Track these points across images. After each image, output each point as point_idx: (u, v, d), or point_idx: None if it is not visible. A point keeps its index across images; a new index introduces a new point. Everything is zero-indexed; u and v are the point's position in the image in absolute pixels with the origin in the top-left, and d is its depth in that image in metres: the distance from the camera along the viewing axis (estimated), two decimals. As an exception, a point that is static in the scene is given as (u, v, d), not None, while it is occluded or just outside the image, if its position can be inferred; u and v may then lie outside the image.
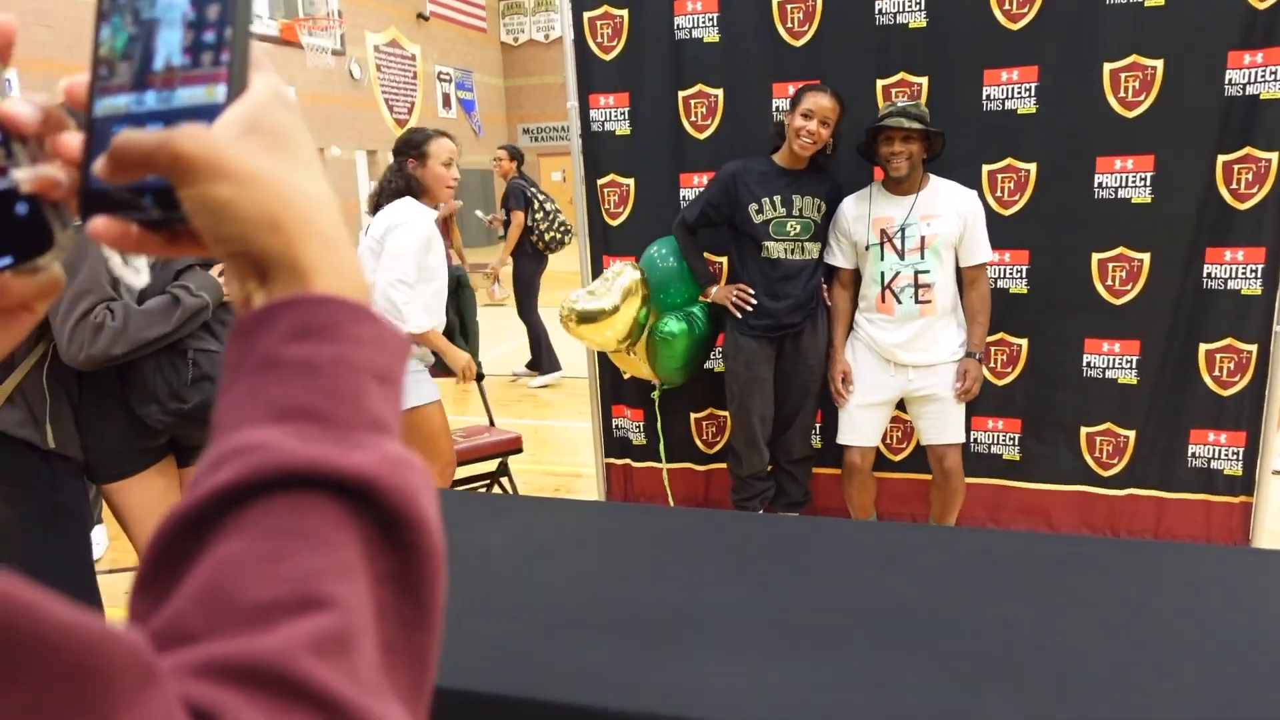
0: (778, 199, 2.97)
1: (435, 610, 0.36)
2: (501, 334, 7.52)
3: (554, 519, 2.29)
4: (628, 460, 3.68)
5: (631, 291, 3.10)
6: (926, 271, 2.85)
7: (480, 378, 3.10)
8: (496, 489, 3.63)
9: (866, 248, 2.91)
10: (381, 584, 0.34)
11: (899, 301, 2.88)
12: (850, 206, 2.96)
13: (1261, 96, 2.79)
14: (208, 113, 0.38)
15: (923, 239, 2.83)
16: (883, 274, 2.89)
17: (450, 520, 2.14)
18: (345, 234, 0.40)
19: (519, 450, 3.61)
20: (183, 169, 0.36)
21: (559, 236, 6.00)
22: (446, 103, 18.74)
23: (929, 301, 2.86)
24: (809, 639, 1.57)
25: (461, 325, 3.35)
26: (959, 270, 2.92)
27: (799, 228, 2.99)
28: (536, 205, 5.95)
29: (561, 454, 4.90)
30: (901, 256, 2.86)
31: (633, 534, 2.13)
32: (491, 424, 3.76)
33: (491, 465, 3.64)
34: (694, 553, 2.02)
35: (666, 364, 3.18)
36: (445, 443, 3.09)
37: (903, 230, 2.85)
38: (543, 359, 6.30)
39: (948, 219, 2.84)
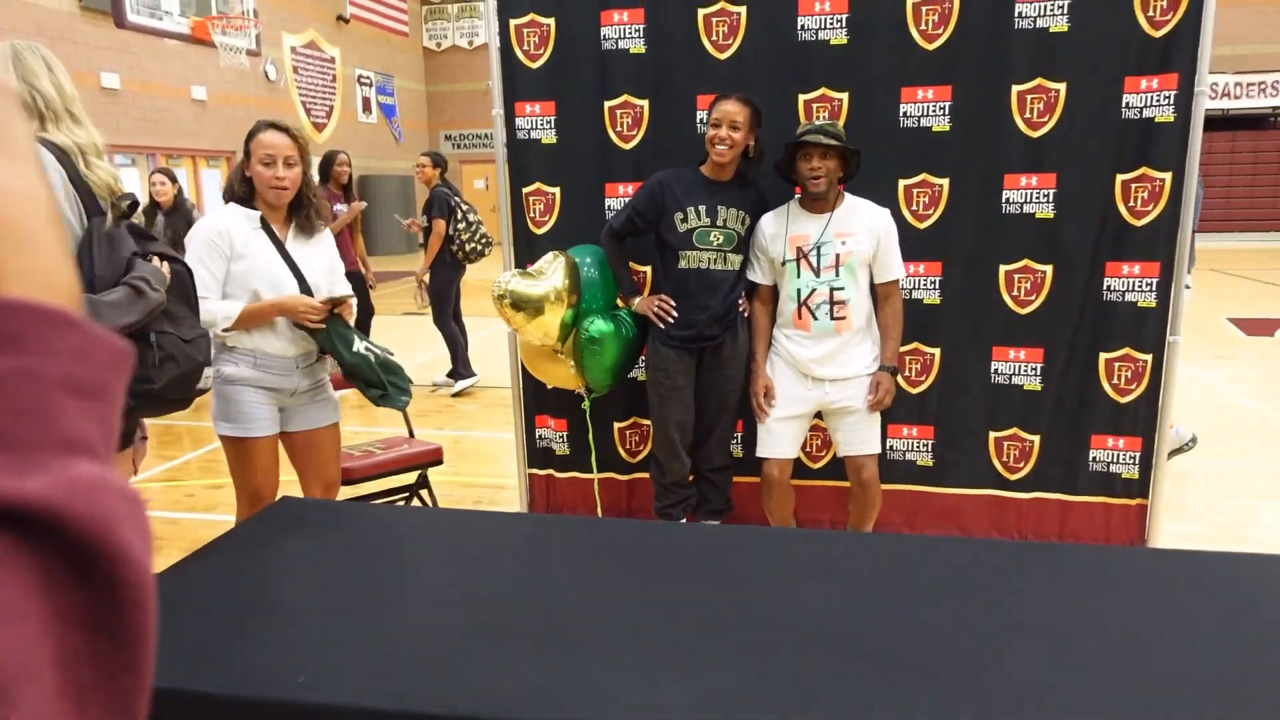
0: (703, 208, 3.00)
1: (141, 649, 0.32)
2: (421, 344, 7.40)
3: (479, 530, 2.26)
4: (551, 470, 3.66)
5: (563, 291, 3.09)
6: (841, 289, 2.92)
7: (338, 302, 2.65)
8: (416, 502, 3.56)
9: (783, 264, 2.96)
10: (66, 623, 0.30)
11: (815, 318, 2.94)
12: (768, 223, 3.01)
13: (1156, 119, 2.95)
14: None
15: (838, 256, 2.90)
16: (799, 291, 2.95)
17: (371, 534, 2.09)
18: (51, 231, 0.35)
19: (439, 462, 3.55)
20: None
21: (479, 248, 5.95)
22: (366, 107, 18.40)
23: (844, 318, 2.93)
24: (730, 648, 1.58)
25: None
26: (873, 286, 3.00)
27: (722, 238, 3.02)
28: (459, 215, 5.89)
29: (481, 465, 4.84)
30: (817, 274, 2.93)
31: (560, 545, 2.12)
32: (411, 435, 3.69)
33: (411, 477, 3.57)
34: (620, 563, 2.01)
35: (596, 367, 3.17)
36: (310, 464, 2.80)
37: (818, 248, 2.91)
38: (459, 365, 6.25)
39: (862, 237, 2.91)
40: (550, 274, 3.07)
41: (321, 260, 2.73)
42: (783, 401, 3.05)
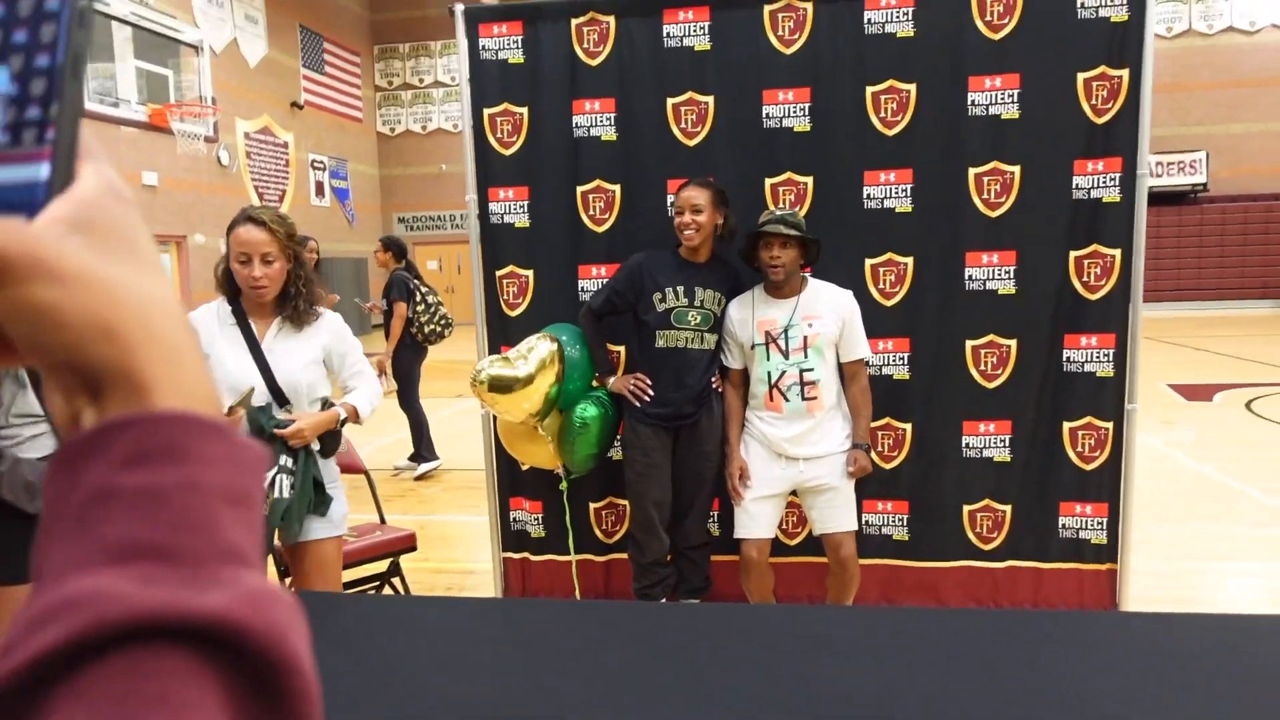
0: (680, 289, 3.06)
1: None
2: (382, 427, 7.30)
3: (462, 619, 2.22)
4: (526, 554, 3.61)
5: (547, 363, 3.09)
6: (811, 369, 2.99)
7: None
8: (387, 590, 3.48)
9: (752, 348, 3.03)
10: None
11: (786, 399, 3.00)
12: (734, 310, 3.09)
13: (1104, 200, 3.12)
14: (25, 199, 0.33)
15: (805, 339, 2.98)
16: (769, 373, 3.01)
17: (349, 629, 2.04)
18: (191, 340, 0.35)
19: (413, 548, 3.48)
20: None
21: (438, 329, 6.00)
22: (320, 191, 18.47)
23: (815, 398, 2.99)
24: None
25: None
26: (840, 366, 3.07)
27: (699, 318, 3.08)
28: (419, 297, 5.93)
29: (450, 550, 4.75)
30: (786, 356, 2.99)
31: (546, 631, 2.09)
32: (382, 521, 3.62)
33: (381, 565, 3.49)
34: (612, 646, 1.99)
35: (582, 450, 3.17)
36: None
37: (786, 331, 2.99)
38: (422, 449, 6.18)
39: (827, 319, 2.99)
40: (531, 356, 3.08)
41: (308, 355, 2.54)
42: (758, 482, 3.07)
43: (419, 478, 6.15)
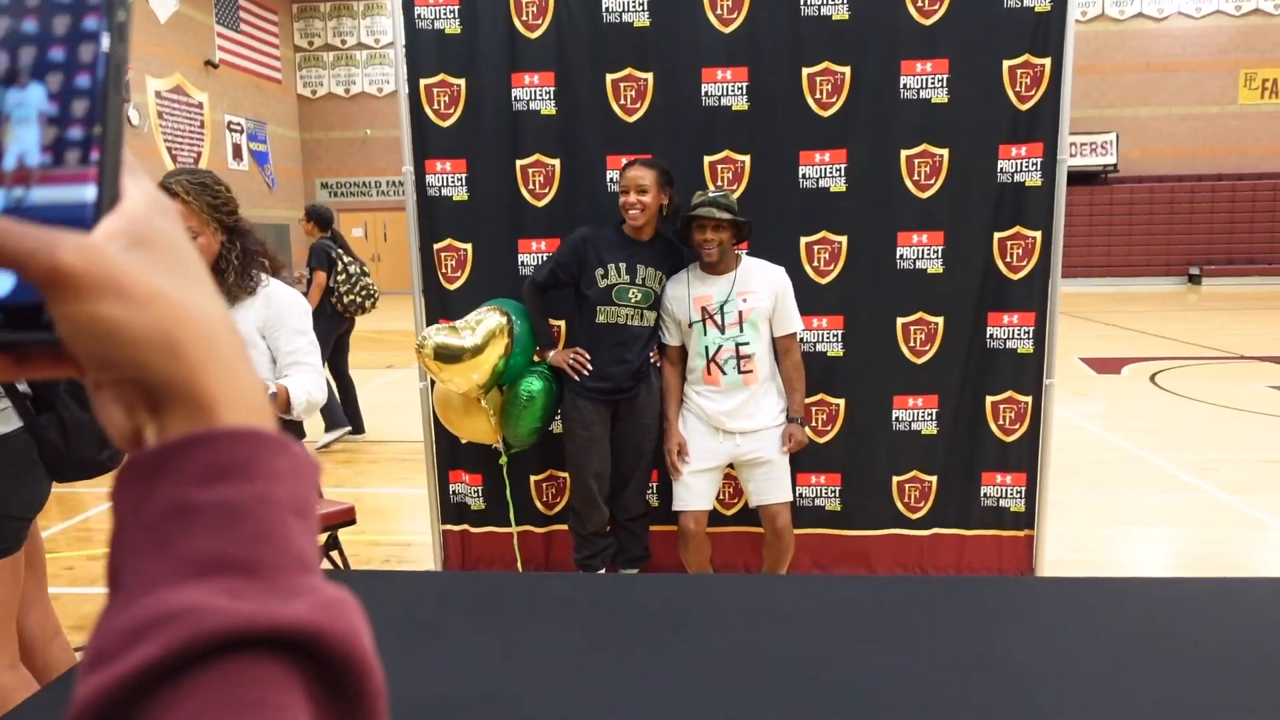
0: (623, 266, 3.09)
1: None
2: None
3: (406, 592, 2.23)
4: (465, 526, 3.62)
5: (496, 334, 3.09)
6: (746, 343, 3.06)
7: None
8: (325, 563, 3.45)
9: (690, 325, 3.09)
10: None
11: (724, 373, 3.07)
12: (671, 288, 3.14)
13: (1026, 184, 3.25)
14: (74, 220, 0.33)
15: (740, 314, 3.05)
16: (706, 348, 3.08)
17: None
18: (245, 354, 0.36)
19: (352, 522, 3.45)
20: (63, 283, 0.31)
21: (358, 299, 5.93)
22: (238, 154, 17.82)
23: (750, 371, 3.07)
24: (680, 697, 1.63)
25: None
26: (774, 341, 3.15)
27: (640, 295, 3.12)
28: (340, 267, 5.84)
29: (385, 523, 4.72)
30: (722, 331, 3.06)
31: (490, 604, 2.12)
32: (320, 495, 3.57)
33: (319, 539, 3.45)
34: (555, 618, 2.03)
35: (526, 424, 3.18)
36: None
37: (722, 307, 3.05)
38: (333, 415, 6.13)
39: (761, 294, 3.07)
40: (479, 327, 3.07)
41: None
42: (696, 456, 3.15)
43: (321, 447, 6.08)
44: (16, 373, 0.35)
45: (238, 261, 2.31)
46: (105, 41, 0.34)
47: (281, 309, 2.35)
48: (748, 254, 3.18)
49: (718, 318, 3.06)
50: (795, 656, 1.78)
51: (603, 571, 3.33)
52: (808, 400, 3.31)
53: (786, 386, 3.18)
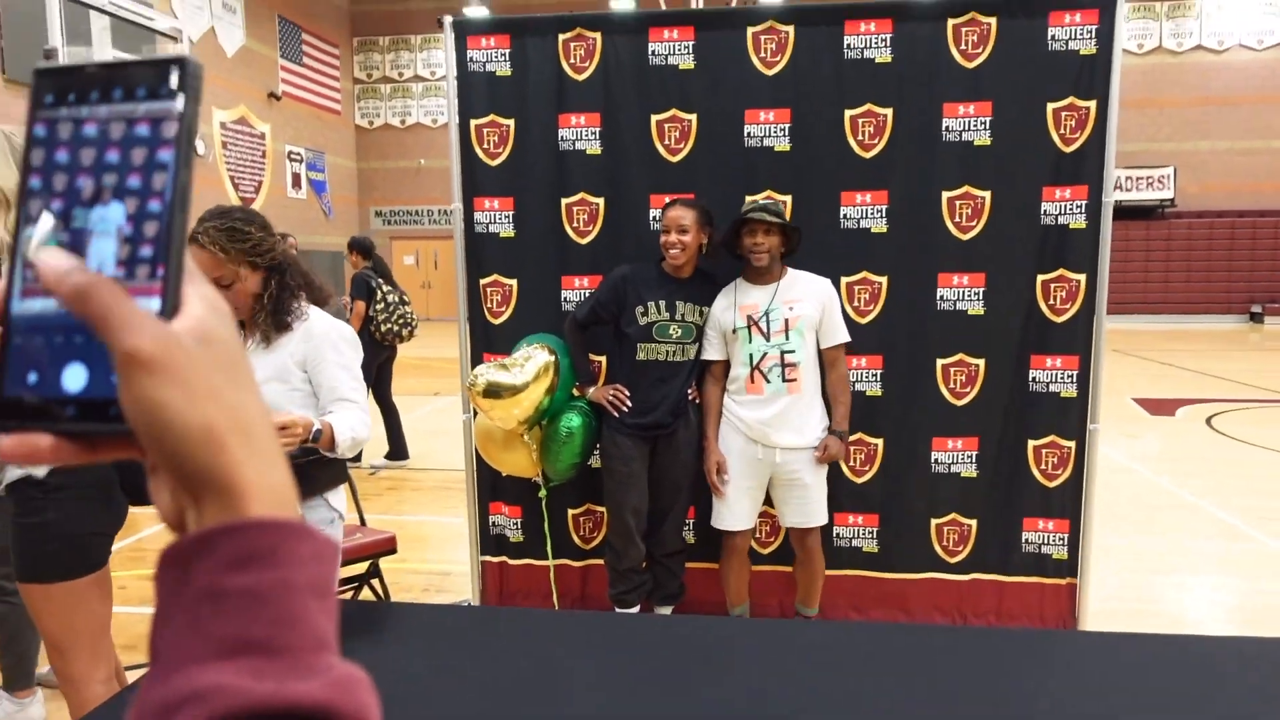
0: (663, 303, 3.14)
1: None
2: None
3: (441, 626, 2.27)
4: (504, 558, 3.66)
5: (543, 371, 3.15)
6: (792, 351, 3.06)
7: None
8: (366, 592, 3.52)
9: (734, 331, 3.10)
10: None
11: (768, 381, 3.08)
12: (718, 300, 3.17)
13: (1070, 226, 3.23)
14: None
15: (786, 321, 3.05)
16: (751, 355, 3.09)
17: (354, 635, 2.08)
18: (280, 449, 0.40)
19: (393, 551, 3.52)
20: (138, 363, 0.36)
21: (395, 328, 6.06)
22: (296, 183, 18.35)
23: (795, 380, 3.06)
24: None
25: None
26: (820, 354, 3.15)
27: (680, 331, 3.16)
28: (379, 295, 5.99)
29: (427, 551, 4.79)
30: (767, 338, 3.07)
31: (524, 640, 2.15)
32: (363, 523, 3.66)
33: (360, 566, 3.52)
34: (589, 656, 2.05)
35: (566, 459, 3.23)
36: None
37: (767, 314, 3.07)
38: (399, 445, 6.27)
39: (808, 302, 3.08)
40: (527, 365, 3.14)
41: (264, 371, 2.18)
42: (736, 472, 3.15)
43: (372, 470, 6.24)
44: (87, 457, 0.39)
45: (269, 303, 2.21)
46: (174, 168, 0.39)
47: (319, 343, 2.23)
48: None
49: (763, 324, 3.07)
50: (827, 704, 1.78)
51: (636, 609, 3.34)
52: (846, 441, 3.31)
53: (832, 400, 3.15)
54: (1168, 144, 19.09)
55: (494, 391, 3.07)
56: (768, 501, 3.28)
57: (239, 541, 0.36)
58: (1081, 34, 3.15)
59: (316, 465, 2.23)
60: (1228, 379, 10.72)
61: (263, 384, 2.36)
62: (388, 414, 6.29)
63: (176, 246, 0.38)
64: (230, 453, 0.37)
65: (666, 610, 3.39)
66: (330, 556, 0.39)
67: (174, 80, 0.39)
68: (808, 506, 3.15)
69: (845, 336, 3.15)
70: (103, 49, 12.62)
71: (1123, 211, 17.88)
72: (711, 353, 3.20)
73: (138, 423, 0.37)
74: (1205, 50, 19.24)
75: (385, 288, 6.05)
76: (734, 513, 3.19)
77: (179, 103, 0.39)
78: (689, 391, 3.24)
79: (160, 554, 0.37)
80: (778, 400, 3.07)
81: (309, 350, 2.23)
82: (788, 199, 3.34)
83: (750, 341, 3.08)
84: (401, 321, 6.06)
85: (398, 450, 6.37)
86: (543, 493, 3.42)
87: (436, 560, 4.61)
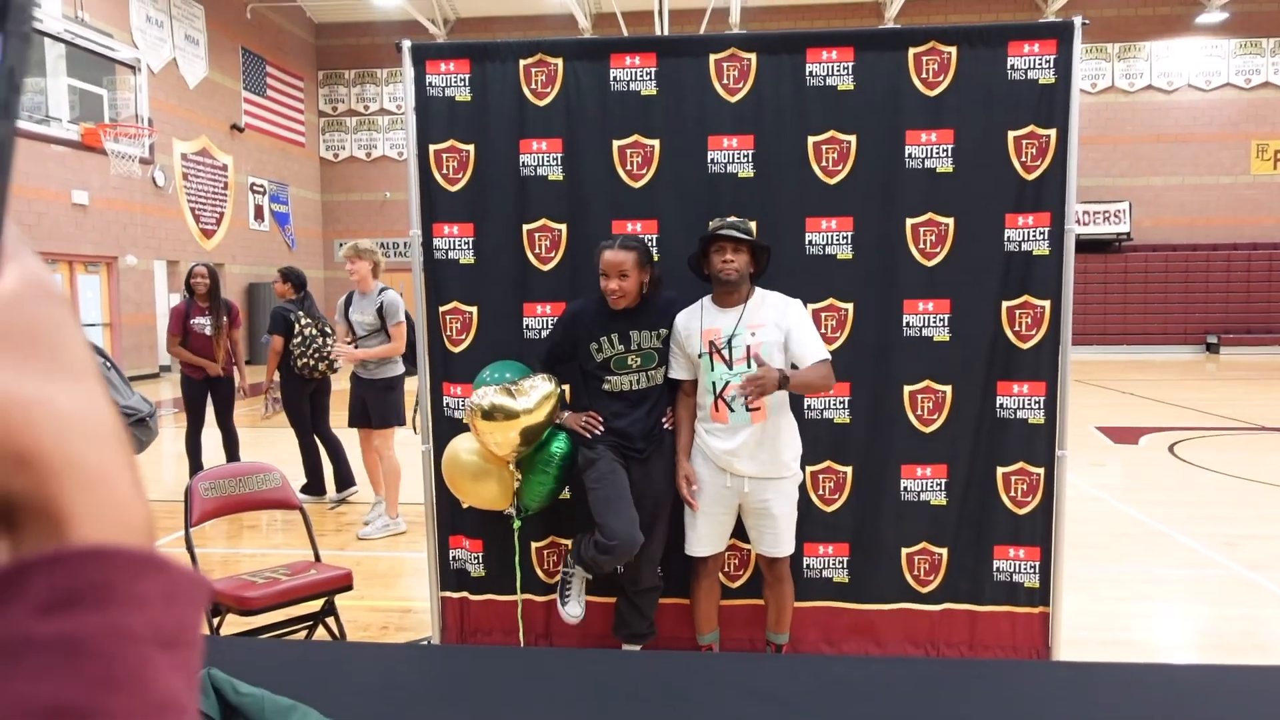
0: (615, 336, 3.07)
1: None
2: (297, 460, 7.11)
3: (418, 665, 2.17)
4: (465, 593, 3.54)
5: (547, 399, 3.09)
6: None
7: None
8: (321, 630, 3.38)
9: (699, 357, 3.04)
10: None
11: (731, 410, 3.00)
12: (682, 320, 3.10)
13: (1034, 252, 3.23)
14: None
15: (748, 348, 2.99)
16: (714, 384, 3.02)
17: (275, 679, 1.97)
18: (120, 459, 0.32)
19: (349, 587, 3.39)
20: None
21: (312, 363, 5.89)
22: (259, 215, 18.17)
23: (758, 408, 2.98)
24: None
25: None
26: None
27: (640, 360, 3.09)
28: (296, 330, 5.87)
29: (385, 588, 4.64)
30: (730, 366, 3.01)
31: (489, 679, 2.05)
32: (317, 559, 3.52)
33: (315, 604, 3.39)
34: (560, 697, 1.96)
35: (545, 484, 3.17)
36: None
37: (729, 341, 3.00)
38: (336, 476, 6.19)
39: (769, 328, 3.00)
40: (533, 391, 3.07)
41: None
42: (706, 499, 3.08)
43: (335, 503, 6.12)
44: None
45: None
46: None
47: None
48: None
49: (725, 352, 3.00)
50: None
51: (636, 649, 3.23)
52: (813, 468, 3.26)
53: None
54: (1122, 179, 19.57)
55: (496, 415, 3.00)
56: (740, 529, 3.21)
57: (56, 576, 0.28)
58: (1040, 64, 3.17)
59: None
60: (1188, 407, 10.88)
61: None
62: (330, 446, 6.15)
63: None
64: (37, 469, 0.29)
65: (635, 649, 3.27)
66: (187, 596, 0.31)
67: None
68: (777, 537, 3.09)
69: (824, 353, 2.94)
70: (56, 78, 12.46)
71: (1080, 245, 18.13)
72: (678, 372, 3.13)
73: None
74: (1155, 90, 19.83)
75: (304, 320, 5.92)
76: (702, 540, 3.12)
77: None
78: (664, 419, 3.16)
79: None
80: (742, 430, 3.01)
81: None
82: (753, 225, 3.29)
83: (713, 369, 3.02)
84: (318, 356, 5.89)
85: (344, 480, 6.22)
86: (517, 523, 3.30)
87: (395, 597, 4.47)
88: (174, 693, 0.29)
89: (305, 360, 5.88)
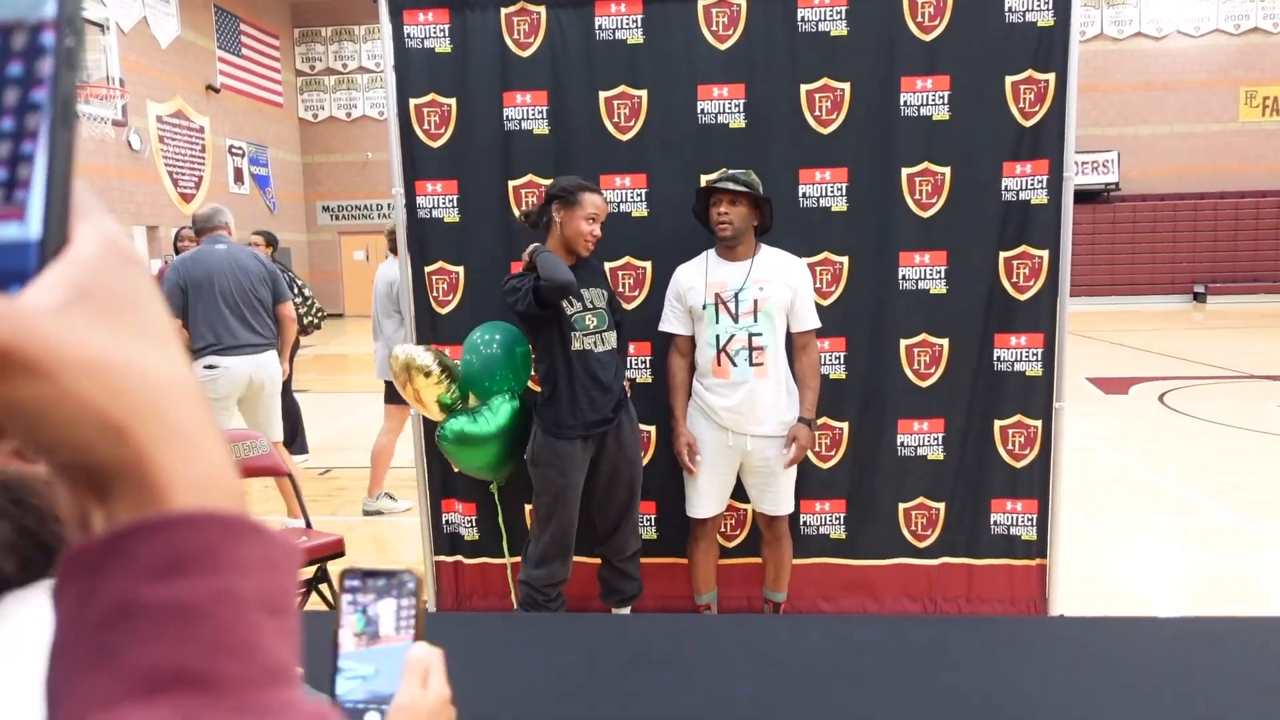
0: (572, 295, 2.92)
1: None
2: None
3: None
4: (459, 557, 3.51)
5: (512, 417, 3.11)
6: (760, 334, 2.94)
7: None
8: (314, 597, 3.34)
9: (703, 308, 2.97)
10: None
11: (734, 364, 2.95)
12: (684, 273, 3.03)
13: (1032, 202, 3.16)
14: (17, 264, 0.28)
15: (755, 302, 2.93)
16: (718, 337, 2.96)
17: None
18: (210, 424, 0.31)
19: (341, 554, 3.35)
20: None
21: (315, 320, 5.96)
22: (239, 178, 17.86)
23: (762, 364, 2.94)
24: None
25: None
26: (789, 338, 3.04)
27: (595, 320, 2.98)
28: (295, 290, 5.81)
29: (380, 551, 4.61)
30: (735, 319, 2.95)
31: (486, 643, 2.01)
32: (308, 525, 3.48)
33: (306, 572, 3.34)
34: (553, 659, 1.93)
35: (462, 464, 3.18)
36: None
37: (736, 295, 2.94)
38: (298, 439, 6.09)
39: (778, 284, 2.95)
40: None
41: None
42: (706, 459, 3.04)
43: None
44: None
45: None
46: (51, 69, 0.29)
47: None
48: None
49: (731, 305, 2.94)
50: (793, 702, 1.68)
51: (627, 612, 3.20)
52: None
53: (800, 385, 3.04)
54: (1110, 129, 19.42)
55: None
56: (739, 488, 3.17)
57: (162, 542, 0.28)
58: (1039, 4, 3.08)
59: None
60: (1176, 357, 10.91)
61: None
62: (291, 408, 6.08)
63: (60, 164, 0.29)
64: (133, 438, 0.29)
65: (625, 612, 3.24)
66: (286, 563, 0.31)
67: None
68: (778, 495, 3.06)
69: (816, 322, 3.04)
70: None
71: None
72: (674, 326, 3.06)
73: (8, 428, 0.28)
74: (1145, 37, 19.60)
75: (299, 281, 5.92)
76: (705, 500, 3.08)
77: None
78: (624, 386, 3.09)
79: (59, 567, 0.29)
80: (744, 385, 2.95)
81: None
82: (754, 177, 3.21)
83: (717, 322, 2.96)
84: (320, 314, 5.96)
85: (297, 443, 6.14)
86: (494, 486, 3.26)
87: (390, 561, 4.43)
88: (283, 658, 0.29)
89: (309, 319, 5.88)
